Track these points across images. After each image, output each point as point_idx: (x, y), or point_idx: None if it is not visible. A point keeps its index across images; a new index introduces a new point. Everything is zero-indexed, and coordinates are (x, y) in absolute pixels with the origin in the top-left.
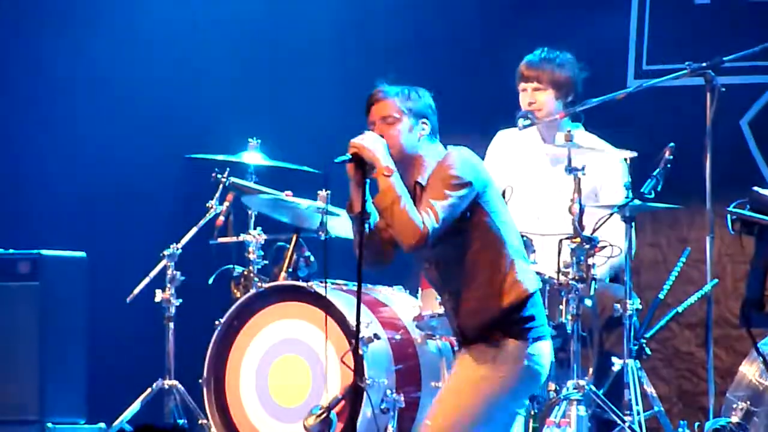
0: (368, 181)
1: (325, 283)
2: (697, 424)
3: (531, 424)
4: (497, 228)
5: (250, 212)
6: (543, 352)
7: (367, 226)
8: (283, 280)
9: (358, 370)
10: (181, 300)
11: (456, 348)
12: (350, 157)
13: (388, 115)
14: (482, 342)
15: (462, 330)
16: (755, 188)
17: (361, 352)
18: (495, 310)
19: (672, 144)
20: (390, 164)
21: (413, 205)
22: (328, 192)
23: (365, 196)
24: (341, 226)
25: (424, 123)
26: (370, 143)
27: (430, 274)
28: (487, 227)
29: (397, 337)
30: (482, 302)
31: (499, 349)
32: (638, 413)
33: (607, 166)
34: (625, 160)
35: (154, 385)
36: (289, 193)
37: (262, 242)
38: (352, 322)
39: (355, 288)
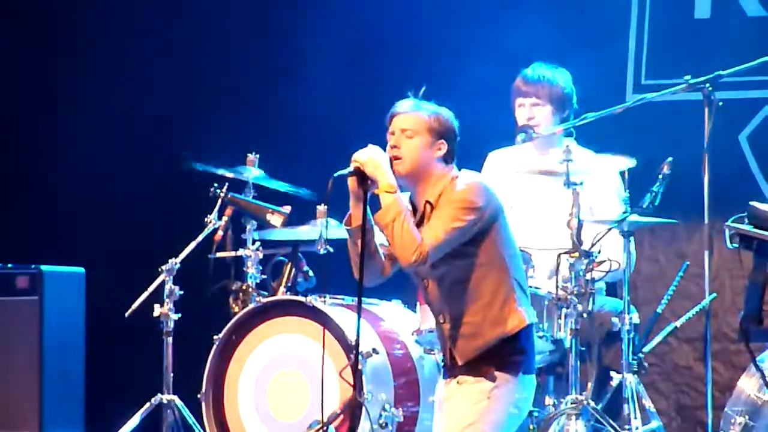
0: (368, 195)
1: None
2: None
3: None
4: (503, 256)
5: (248, 227)
6: (530, 387)
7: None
8: (281, 294)
9: (357, 385)
10: (179, 315)
11: (441, 374)
12: (352, 170)
13: (408, 128)
14: (474, 374)
15: (453, 354)
16: (753, 203)
17: (360, 366)
18: (490, 337)
19: (670, 159)
20: (392, 181)
21: (413, 224)
22: (327, 207)
23: (366, 210)
24: (326, 236)
25: (441, 143)
26: (373, 159)
27: (429, 294)
28: (493, 254)
29: (396, 351)
30: (479, 327)
31: (493, 384)
32: (637, 428)
33: (602, 181)
34: (622, 174)
35: (153, 399)
36: (288, 207)
37: (261, 257)
38: (351, 336)
39: (354, 303)
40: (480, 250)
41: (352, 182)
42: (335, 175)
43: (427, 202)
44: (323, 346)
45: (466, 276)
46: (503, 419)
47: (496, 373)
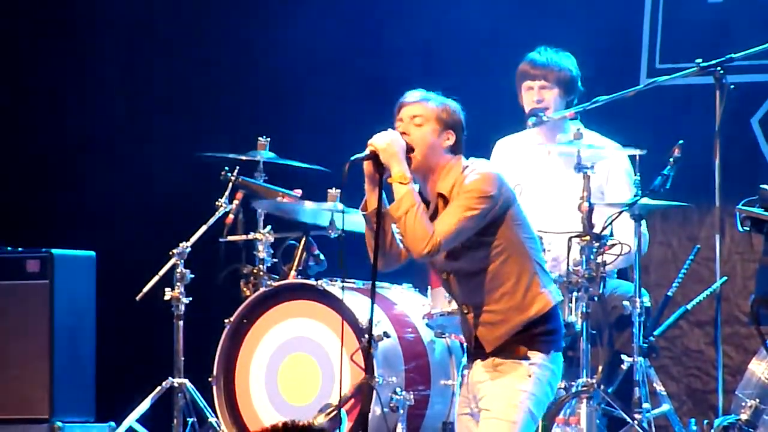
0: (384, 179)
1: (342, 280)
2: (705, 421)
3: (541, 423)
4: (521, 241)
5: (259, 210)
6: (560, 364)
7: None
8: (292, 278)
9: (369, 368)
10: (190, 298)
11: (466, 357)
12: (368, 154)
13: (418, 115)
14: (509, 357)
15: (482, 342)
16: (764, 186)
17: (371, 350)
18: (518, 322)
19: (681, 142)
20: (407, 172)
21: (426, 215)
22: (339, 190)
23: (381, 194)
24: (351, 223)
25: (450, 133)
26: (390, 146)
27: (451, 287)
28: (511, 240)
29: (407, 335)
30: (505, 314)
31: (530, 362)
32: (647, 411)
33: (612, 164)
34: (632, 158)
35: (164, 383)
36: (299, 191)
37: (272, 240)
38: (362, 320)
39: (365, 286)
40: (497, 238)
41: (367, 166)
42: (351, 159)
43: (440, 194)
44: (342, 336)
45: (485, 265)
46: (542, 398)
47: (530, 353)
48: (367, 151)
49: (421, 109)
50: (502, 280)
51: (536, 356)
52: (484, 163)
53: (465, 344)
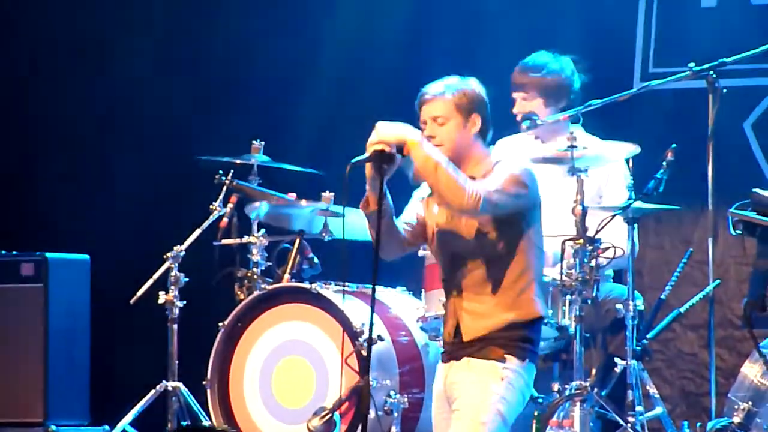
0: (385, 181)
1: (344, 288)
2: (699, 424)
3: (534, 425)
4: (531, 246)
5: (253, 214)
6: (533, 375)
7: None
8: (286, 281)
9: (365, 370)
10: (184, 302)
11: (442, 358)
12: (369, 156)
13: (438, 116)
14: (484, 357)
15: (462, 330)
16: (756, 190)
17: (365, 353)
18: (503, 320)
19: (674, 145)
20: (417, 133)
21: (458, 170)
22: (333, 193)
23: (381, 198)
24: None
25: (475, 118)
26: (388, 129)
27: (448, 267)
28: (523, 241)
29: (401, 338)
30: (493, 308)
31: (503, 366)
32: (641, 414)
33: (610, 167)
34: (627, 161)
35: (158, 386)
36: (293, 194)
37: (266, 244)
38: (356, 323)
39: (359, 290)
40: (512, 235)
41: (368, 168)
42: (352, 161)
43: (471, 177)
44: (342, 343)
45: (494, 255)
46: (514, 403)
47: (506, 356)
48: (368, 153)
49: (441, 108)
50: (503, 275)
51: (512, 361)
52: (525, 161)
53: (443, 341)
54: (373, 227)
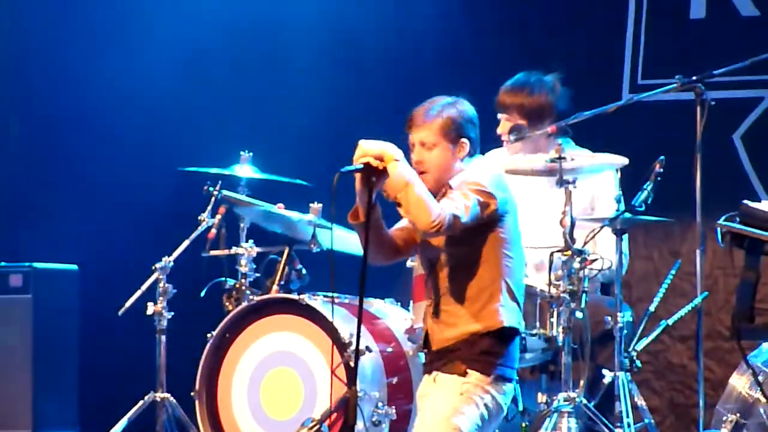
0: (376, 191)
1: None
2: None
3: None
4: (502, 255)
5: (242, 225)
6: (506, 394)
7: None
8: (275, 293)
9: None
10: (173, 313)
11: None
12: (360, 167)
13: (426, 141)
14: (447, 371)
15: (430, 339)
16: (745, 201)
17: (353, 364)
18: (466, 331)
19: (662, 157)
20: (398, 151)
21: (428, 190)
22: (321, 204)
23: (369, 210)
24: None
25: (463, 143)
26: (371, 144)
27: (426, 275)
28: (493, 251)
29: (389, 349)
30: (459, 318)
31: (463, 380)
32: (629, 425)
33: (602, 179)
34: (617, 171)
35: (146, 397)
36: (281, 205)
37: (254, 255)
38: (344, 334)
39: (348, 301)
40: (481, 242)
41: (358, 180)
42: (341, 170)
43: (446, 184)
44: (332, 354)
45: (465, 264)
46: (474, 419)
47: (468, 371)
48: (358, 165)
49: (428, 133)
50: (467, 285)
51: (473, 375)
52: (493, 166)
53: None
54: (362, 238)
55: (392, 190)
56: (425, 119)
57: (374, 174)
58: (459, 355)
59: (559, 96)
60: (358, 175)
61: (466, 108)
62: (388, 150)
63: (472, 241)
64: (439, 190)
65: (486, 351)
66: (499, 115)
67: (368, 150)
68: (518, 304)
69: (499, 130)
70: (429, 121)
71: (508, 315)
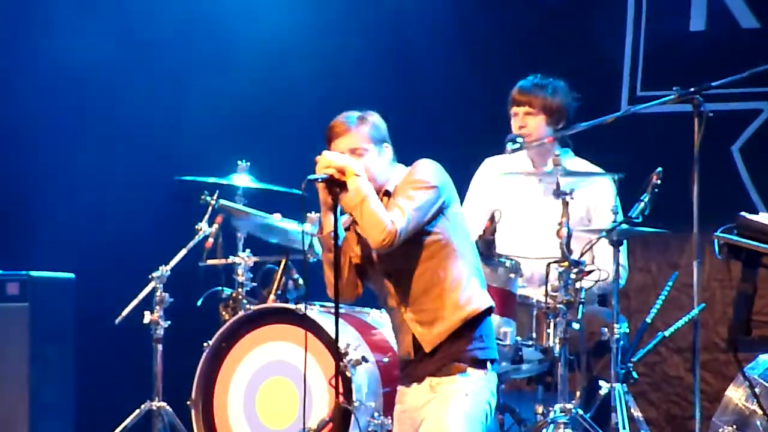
0: (339, 204)
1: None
2: None
3: None
4: (458, 242)
5: (239, 234)
6: (496, 382)
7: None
8: (271, 302)
9: (346, 393)
10: (169, 322)
11: (402, 381)
12: (324, 177)
13: (357, 147)
14: (447, 374)
15: (420, 342)
16: (742, 213)
17: (349, 374)
18: (455, 320)
19: (659, 169)
20: (360, 166)
21: (382, 205)
22: (318, 214)
23: (337, 218)
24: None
25: (386, 147)
26: (333, 156)
27: (390, 289)
28: (452, 238)
29: (385, 359)
30: (442, 312)
31: (468, 381)
32: None
33: (600, 190)
34: (614, 182)
35: (143, 406)
36: (278, 215)
37: (251, 264)
38: (341, 344)
39: (344, 311)
40: (439, 234)
41: (321, 191)
42: (308, 178)
43: (386, 192)
44: (305, 349)
45: (426, 261)
46: (480, 417)
47: (469, 370)
48: (322, 174)
49: (357, 139)
50: (441, 277)
51: (474, 374)
52: (429, 160)
53: (401, 363)
54: (325, 250)
55: (348, 204)
56: (350, 127)
57: (339, 186)
58: (453, 354)
59: (571, 103)
60: (321, 185)
61: (379, 117)
62: (350, 164)
63: (433, 236)
64: (377, 192)
65: (475, 338)
66: (517, 109)
67: (332, 161)
68: (482, 280)
69: (518, 123)
70: (354, 128)
71: (483, 298)
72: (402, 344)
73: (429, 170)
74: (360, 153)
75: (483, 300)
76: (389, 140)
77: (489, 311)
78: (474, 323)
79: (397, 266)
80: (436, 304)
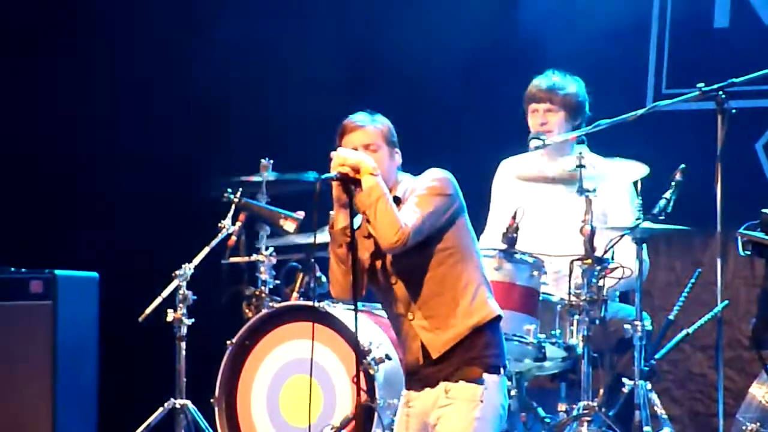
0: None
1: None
2: None
3: None
4: (467, 251)
5: (261, 232)
6: (505, 386)
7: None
8: (294, 300)
9: (369, 390)
10: (192, 320)
11: (410, 384)
12: (337, 175)
13: (371, 143)
14: (459, 379)
15: (428, 349)
16: (766, 210)
17: (372, 372)
18: (464, 328)
19: (683, 166)
20: (375, 165)
21: (395, 206)
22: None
23: (352, 216)
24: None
25: (396, 153)
26: (348, 153)
27: (397, 293)
28: (460, 246)
29: None
30: (451, 319)
31: (483, 387)
32: None
33: (615, 188)
34: (635, 182)
35: (166, 404)
36: (301, 213)
37: (274, 262)
38: (364, 342)
39: (365, 308)
40: (450, 241)
41: (336, 188)
42: (321, 177)
43: (394, 198)
44: (312, 340)
45: (436, 268)
46: (495, 421)
47: (485, 376)
48: (335, 173)
49: (372, 136)
50: (451, 284)
51: (489, 379)
52: (441, 169)
53: (408, 368)
54: (335, 246)
55: (363, 203)
56: (365, 123)
57: (352, 183)
58: (467, 360)
59: (587, 98)
60: (335, 183)
61: (391, 125)
62: (365, 162)
63: (444, 243)
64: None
65: (486, 345)
66: (537, 105)
67: (346, 159)
68: (489, 288)
69: (538, 120)
70: (369, 126)
71: (493, 305)
72: (409, 351)
73: (442, 178)
74: (373, 149)
75: (492, 307)
76: (399, 148)
77: (498, 319)
78: (484, 330)
79: (408, 268)
80: (446, 310)
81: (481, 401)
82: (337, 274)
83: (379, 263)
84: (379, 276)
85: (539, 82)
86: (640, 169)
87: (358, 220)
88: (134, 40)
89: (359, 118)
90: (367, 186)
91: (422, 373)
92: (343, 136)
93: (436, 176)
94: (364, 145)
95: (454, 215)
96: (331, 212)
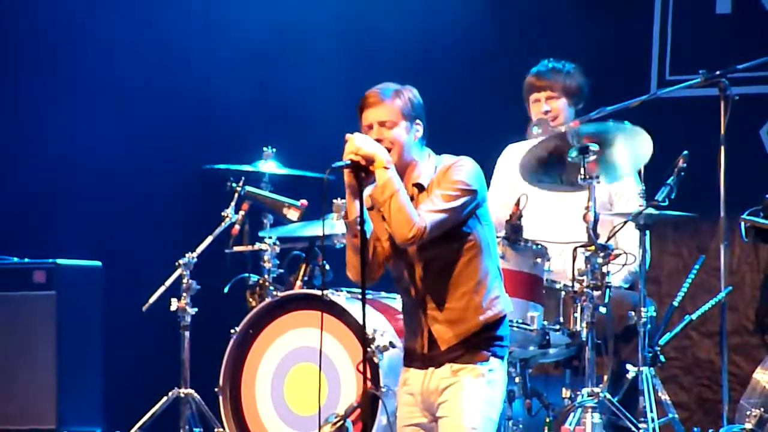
0: (364, 188)
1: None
2: (711, 430)
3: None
4: (488, 243)
5: (265, 221)
6: (506, 371)
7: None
8: (298, 288)
9: (373, 378)
10: (196, 309)
11: (411, 364)
12: (348, 163)
13: (387, 120)
14: (467, 361)
15: (437, 340)
16: None
17: (376, 360)
18: (476, 323)
19: (686, 152)
20: (389, 158)
21: (410, 200)
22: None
23: (362, 203)
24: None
25: (418, 125)
26: (364, 142)
27: (414, 280)
28: (481, 240)
29: None
30: (464, 313)
31: (489, 369)
32: (653, 420)
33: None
34: (639, 171)
35: (170, 393)
36: (305, 201)
37: (278, 251)
38: (368, 330)
39: (372, 296)
40: (471, 235)
41: (347, 176)
42: (332, 165)
43: (416, 185)
44: (321, 330)
45: (455, 260)
46: (500, 402)
47: (491, 359)
48: (347, 160)
49: (388, 112)
50: (468, 278)
51: (495, 363)
52: (468, 159)
53: (410, 350)
54: (350, 235)
55: (377, 199)
56: (383, 99)
57: (364, 171)
58: (477, 344)
59: (586, 82)
60: (346, 170)
61: (417, 94)
62: (380, 154)
63: (464, 236)
64: (402, 171)
65: (496, 338)
66: (538, 95)
67: (360, 148)
68: (501, 282)
69: (542, 108)
70: (388, 100)
71: (507, 301)
72: (416, 338)
73: (470, 172)
74: (389, 126)
75: (504, 305)
76: (423, 119)
77: (505, 315)
78: (493, 325)
79: (426, 257)
80: (459, 304)
81: (488, 381)
82: (353, 259)
83: (390, 249)
84: (397, 260)
85: (537, 71)
86: (645, 146)
87: None
88: (134, 33)
89: (377, 92)
90: (380, 182)
91: (427, 355)
92: (362, 111)
93: (464, 169)
94: (380, 122)
95: (476, 209)
96: (334, 200)
